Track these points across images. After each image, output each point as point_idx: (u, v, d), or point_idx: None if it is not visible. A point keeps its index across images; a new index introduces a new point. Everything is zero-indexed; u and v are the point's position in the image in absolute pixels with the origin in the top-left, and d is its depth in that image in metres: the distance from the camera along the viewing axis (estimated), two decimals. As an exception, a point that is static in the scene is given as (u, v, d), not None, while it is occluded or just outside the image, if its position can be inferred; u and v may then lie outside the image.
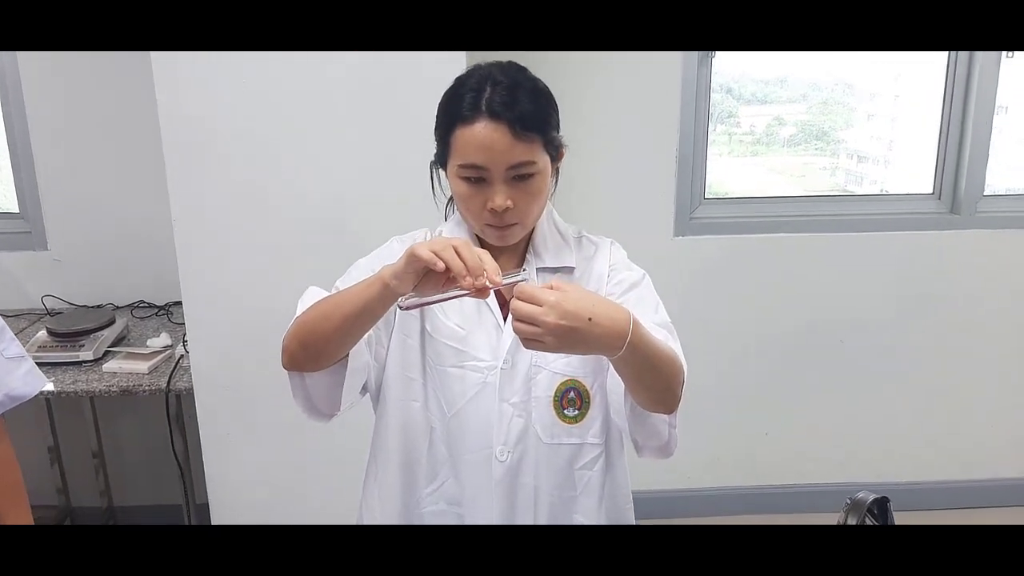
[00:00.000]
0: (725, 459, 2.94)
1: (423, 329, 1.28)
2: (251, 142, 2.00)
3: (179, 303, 2.56)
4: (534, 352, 1.21)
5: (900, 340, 2.85)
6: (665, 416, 1.18)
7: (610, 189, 2.65)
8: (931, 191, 2.83)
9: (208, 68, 1.94)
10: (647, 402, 1.16)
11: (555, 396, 1.26)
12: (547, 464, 1.28)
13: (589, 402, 1.28)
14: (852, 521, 1.18)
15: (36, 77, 2.57)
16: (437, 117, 1.21)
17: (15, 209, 2.71)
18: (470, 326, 1.26)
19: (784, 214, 2.79)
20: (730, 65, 2.77)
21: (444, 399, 1.27)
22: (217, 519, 2.26)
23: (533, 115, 1.15)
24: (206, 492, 2.26)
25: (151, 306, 2.67)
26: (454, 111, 1.16)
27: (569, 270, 1.29)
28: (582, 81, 2.59)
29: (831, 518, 1.25)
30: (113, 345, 2.33)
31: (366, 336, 1.21)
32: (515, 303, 1.03)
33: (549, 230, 1.31)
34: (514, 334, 1.11)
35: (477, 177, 1.16)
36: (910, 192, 2.91)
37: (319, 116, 1.98)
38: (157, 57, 1.93)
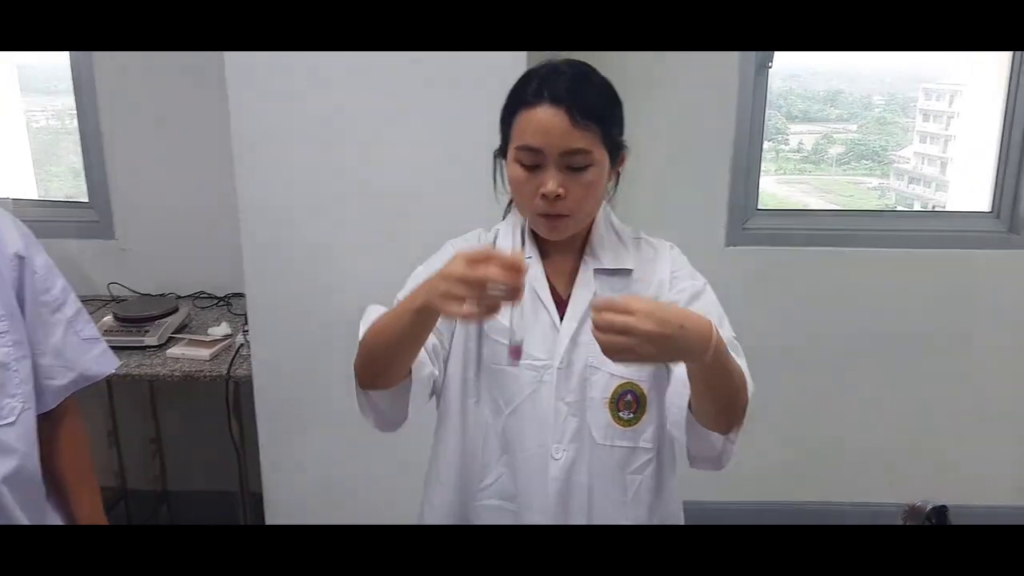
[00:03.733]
0: (774, 473, 2.91)
1: (480, 328, 1.30)
2: (317, 135, 2.05)
3: (239, 294, 2.65)
4: (590, 352, 1.25)
5: (955, 359, 2.81)
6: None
7: (662, 197, 2.66)
8: (989, 209, 2.80)
9: (278, 61, 1.99)
10: (712, 414, 1.15)
11: (612, 398, 1.27)
12: (600, 464, 1.29)
13: (645, 406, 1.28)
14: (909, 528, 1.20)
15: (109, 72, 2.67)
16: (503, 108, 1.24)
17: (85, 199, 2.82)
18: (526, 325, 1.26)
19: (838, 227, 2.78)
20: (779, 81, 2.77)
21: (501, 397, 1.29)
22: (270, 508, 2.32)
23: (594, 105, 1.17)
24: (260, 480, 2.31)
25: (212, 297, 2.74)
26: (519, 97, 1.19)
27: (627, 272, 1.30)
28: (636, 88, 2.61)
29: None
30: (176, 332, 2.41)
31: (430, 345, 1.23)
32: (604, 315, 1.01)
33: (606, 230, 1.32)
34: (571, 336, 1.15)
35: (532, 163, 1.18)
36: (968, 210, 2.88)
37: (385, 108, 2.02)
38: (229, 52, 2.00)
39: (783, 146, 3.00)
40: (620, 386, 1.27)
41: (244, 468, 2.44)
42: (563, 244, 1.29)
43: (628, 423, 1.29)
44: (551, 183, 1.17)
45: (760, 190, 2.77)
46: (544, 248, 1.31)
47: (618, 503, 1.31)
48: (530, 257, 1.28)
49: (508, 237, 1.32)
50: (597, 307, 1.03)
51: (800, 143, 3.02)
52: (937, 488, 2.83)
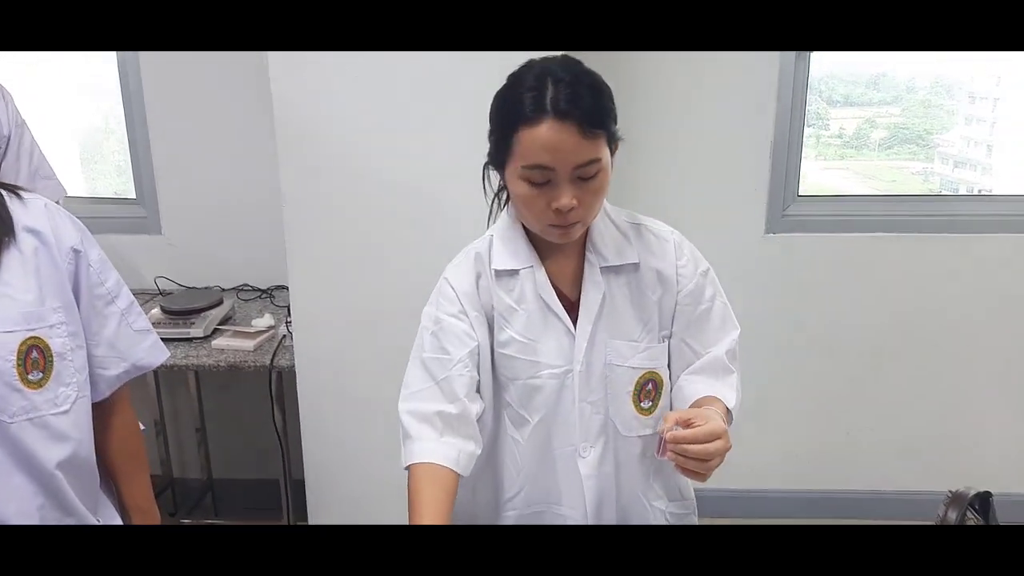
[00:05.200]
0: (804, 460, 2.90)
1: (492, 347, 1.29)
2: (360, 131, 2.08)
3: (281, 287, 2.69)
4: (608, 350, 1.27)
5: (998, 346, 2.76)
6: None
7: (701, 183, 2.65)
8: (1037, 193, 2.73)
9: (321, 58, 2.02)
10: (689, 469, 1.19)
11: (635, 389, 1.29)
12: (625, 455, 1.32)
13: (662, 392, 1.31)
14: (952, 515, 1.18)
15: (155, 70, 2.73)
16: (492, 118, 1.20)
17: (133, 196, 2.88)
18: (538, 335, 1.27)
19: (881, 213, 2.73)
20: (818, 66, 2.72)
21: (525, 410, 1.30)
22: (312, 495, 2.36)
23: (598, 111, 1.13)
24: (303, 468, 2.36)
25: (255, 289, 2.80)
26: (515, 111, 1.13)
27: (634, 267, 1.28)
28: (676, 75, 2.60)
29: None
30: (221, 324, 2.46)
31: (473, 382, 1.26)
32: (709, 447, 1.10)
33: (605, 224, 1.29)
34: (587, 338, 1.23)
35: (542, 180, 1.14)
36: (1014, 193, 2.81)
37: (425, 105, 2.04)
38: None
39: (824, 132, 2.95)
40: (642, 377, 1.29)
41: (287, 456, 2.49)
42: (563, 245, 1.26)
43: (648, 411, 1.31)
44: (564, 198, 1.14)
45: (801, 176, 2.74)
46: (544, 251, 1.29)
47: (644, 486, 1.35)
48: (531, 267, 1.28)
49: (506, 247, 1.29)
50: (676, 440, 1.10)
51: (841, 128, 2.97)
52: (976, 478, 2.78)
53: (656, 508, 1.37)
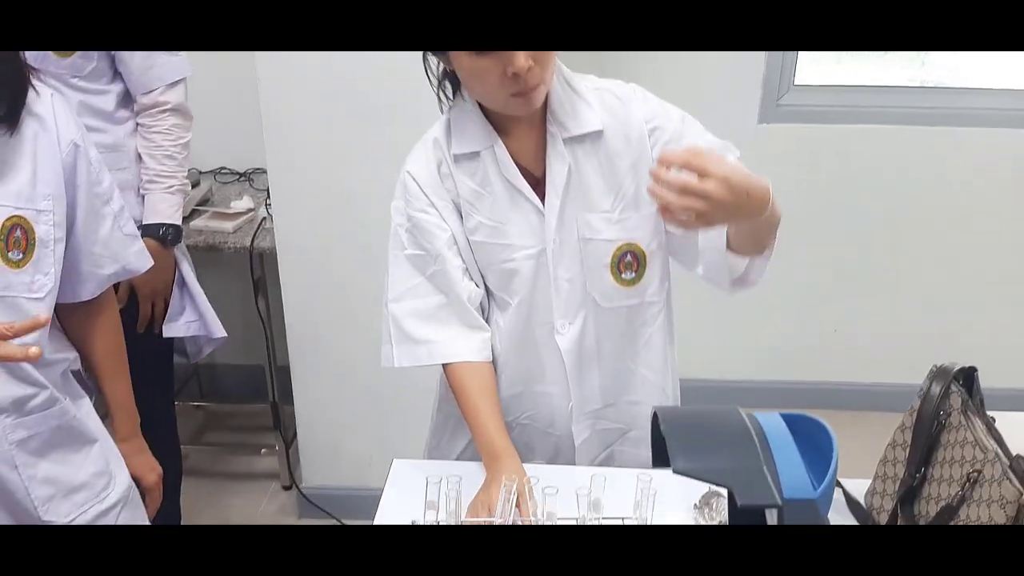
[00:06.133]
0: (790, 353, 2.93)
1: (466, 236, 1.28)
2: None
3: (259, 170, 2.62)
4: (580, 225, 1.23)
5: (988, 242, 2.75)
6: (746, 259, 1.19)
7: (692, 70, 2.55)
8: (1038, 85, 2.67)
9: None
10: (747, 250, 1.17)
11: (612, 262, 1.26)
12: (608, 326, 1.31)
13: (646, 263, 1.27)
14: (936, 388, 1.17)
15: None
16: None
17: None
18: (507, 217, 1.25)
19: (877, 104, 2.67)
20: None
21: (506, 293, 1.30)
22: (297, 381, 2.36)
23: None
24: (288, 355, 2.34)
25: (232, 172, 2.72)
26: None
27: (598, 134, 1.23)
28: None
29: (895, 418, 1.24)
30: (199, 205, 2.41)
31: (462, 266, 1.27)
32: (676, 177, 0.96)
33: (565, 92, 1.22)
34: (557, 214, 1.18)
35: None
36: (1013, 87, 2.74)
37: None
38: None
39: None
40: (619, 249, 1.26)
41: (271, 343, 2.48)
42: (522, 119, 1.21)
43: (632, 282, 1.28)
44: (519, 59, 1.07)
45: (797, 66, 2.65)
46: (503, 129, 1.23)
47: (631, 355, 1.34)
48: (491, 146, 1.22)
49: (463, 129, 1.24)
50: (671, 162, 0.97)
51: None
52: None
53: (644, 377, 1.36)
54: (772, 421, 0.73)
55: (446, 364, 1.29)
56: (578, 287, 1.27)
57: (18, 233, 1.16)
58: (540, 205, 1.24)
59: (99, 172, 1.28)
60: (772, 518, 0.65)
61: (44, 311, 1.19)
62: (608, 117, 1.23)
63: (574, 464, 1.37)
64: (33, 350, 1.01)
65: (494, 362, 1.33)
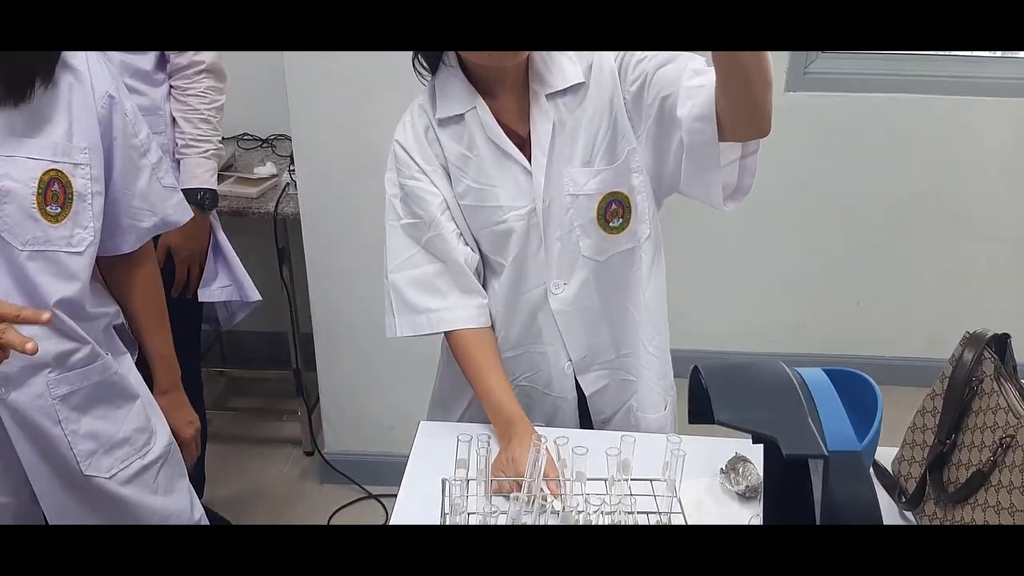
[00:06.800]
0: (813, 327, 2.90)
1: (457, 202, 1.28)
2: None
3: (282, 136, 2.62)
4: (565, 181, 1.23)
5: (1018, 218, 2.71)
6: (738, 149, 1.12)
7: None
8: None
9: None
10: (743, 114, 1.06)
11: (598, 214, 1.26)
12: (602, 280, 1.30)
13: (631, 209, 1.27)
14: (968, 355, 1.16)
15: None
16: None
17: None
18: (495, 179, 1.25)
19: (907, 72, 2.62)
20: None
21: (500, 255, 1.30)
22: (321, 348, 2.37)
23: None
24: (311, 322, 2.35)
25: (255, 138, 2.72)
26: None
27: (580, 87, 1.22)
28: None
29: (919, 392, 1.22)
30: (223, 171, 2.40)
31: (457, 231, 1.28)
32: None
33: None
34: (544, 172, 1.17)
35: None
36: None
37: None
38: None
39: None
40: (603, 200, 1.25)
41: (294, 309, 2.49)
42: (505, 78, 1.21)
43: (619, 229, 1.28)
44: None
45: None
46: (486, 89, 1.23)
47: (625, 300, 1.33)
48: (474, 108, 1.22)
49: (446, 93, 1.24)
50: None
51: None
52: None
53: (645, 341, 1.36)
54: (815, 375, 0.73)
55: (448, 332, 1.31)
56: (570, 245, 1.27)
57: (56, 187, 1.14)
58: (527, 164, 1.24)
59: (136, 124, 1.26)
60: (817, 469, 0.65)
61: (82, 266, 1.19)
62: (585, 69, 1.23)
63: (577, 425, 1.39)
64: (30, 344, 0.98)
65: (492, 327, 1.34)
